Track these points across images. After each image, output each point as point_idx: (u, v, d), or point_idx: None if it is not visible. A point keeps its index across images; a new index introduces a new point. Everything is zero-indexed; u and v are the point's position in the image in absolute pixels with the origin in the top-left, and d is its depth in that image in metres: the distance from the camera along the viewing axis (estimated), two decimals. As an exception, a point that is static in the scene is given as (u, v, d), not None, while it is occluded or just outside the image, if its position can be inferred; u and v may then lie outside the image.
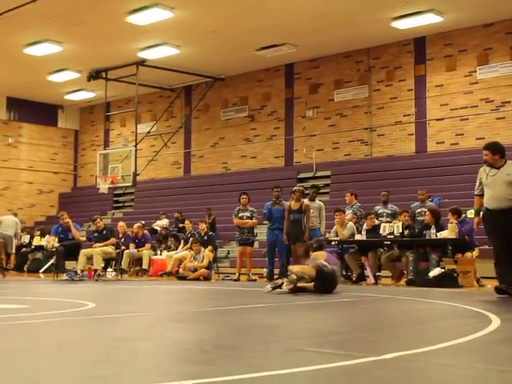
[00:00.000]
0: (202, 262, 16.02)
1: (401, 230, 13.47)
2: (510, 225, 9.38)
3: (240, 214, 15.62)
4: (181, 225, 20.28)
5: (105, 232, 16.18)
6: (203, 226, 17.24)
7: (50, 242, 16.67)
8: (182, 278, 15.93)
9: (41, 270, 19.66)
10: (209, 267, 16.12)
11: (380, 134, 21.55)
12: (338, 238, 14.33)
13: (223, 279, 16.19)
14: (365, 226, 14.12)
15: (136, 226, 18.47)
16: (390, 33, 20.02)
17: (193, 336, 5.56)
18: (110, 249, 16.02)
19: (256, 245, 16.88)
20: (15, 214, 21.63)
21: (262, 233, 17.74)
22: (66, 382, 3.53)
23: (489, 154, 9.61)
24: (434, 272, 12.32)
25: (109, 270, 16.55)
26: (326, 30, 19.81)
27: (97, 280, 15.21)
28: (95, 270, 15.58)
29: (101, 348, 4.80)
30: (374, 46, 21.56)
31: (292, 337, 5.40)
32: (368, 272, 13.93)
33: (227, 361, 4.19)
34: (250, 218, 15.61)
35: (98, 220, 16.46)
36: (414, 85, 20.94)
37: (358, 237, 14.13)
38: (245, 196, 15.79)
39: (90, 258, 15.81)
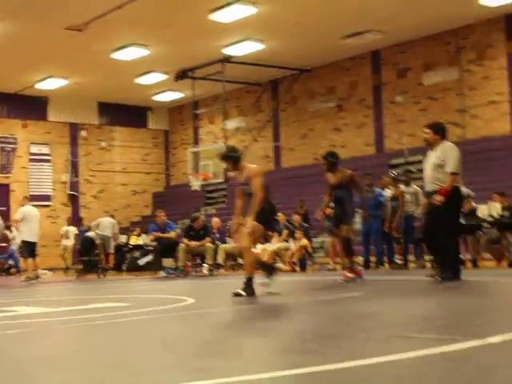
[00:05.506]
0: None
1: (500, 212, 13.10)
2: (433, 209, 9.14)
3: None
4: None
5: (202, 232, 16.36)
6: (297, 218, 17.23)
7: (148, 239, 17.07)
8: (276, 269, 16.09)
9: (139, 262, 20.24)
10: (304, 258, 16.16)
11: (473, 114, 20.97)
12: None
13: (319, 269, 16.16)
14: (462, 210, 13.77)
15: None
16: (479, 11, 19.40)
17: (293, 326, 5.55)
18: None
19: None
20: (112, 216, 22.11)
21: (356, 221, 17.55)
22: (171, 376, 3.56)
23: (430, 133, 9.35)
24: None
25: (204, 265, 16.74)
26: (411, 13, 19.32)
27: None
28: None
29: (203, 342, 4.83)
30: (463, 26, 20.95)
31: (393, 323, 5.32)
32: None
33: (329, 349, 4.16)
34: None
35: (200, 220, 16.70)
36: (506, 62, 20.27)
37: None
38: None
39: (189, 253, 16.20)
